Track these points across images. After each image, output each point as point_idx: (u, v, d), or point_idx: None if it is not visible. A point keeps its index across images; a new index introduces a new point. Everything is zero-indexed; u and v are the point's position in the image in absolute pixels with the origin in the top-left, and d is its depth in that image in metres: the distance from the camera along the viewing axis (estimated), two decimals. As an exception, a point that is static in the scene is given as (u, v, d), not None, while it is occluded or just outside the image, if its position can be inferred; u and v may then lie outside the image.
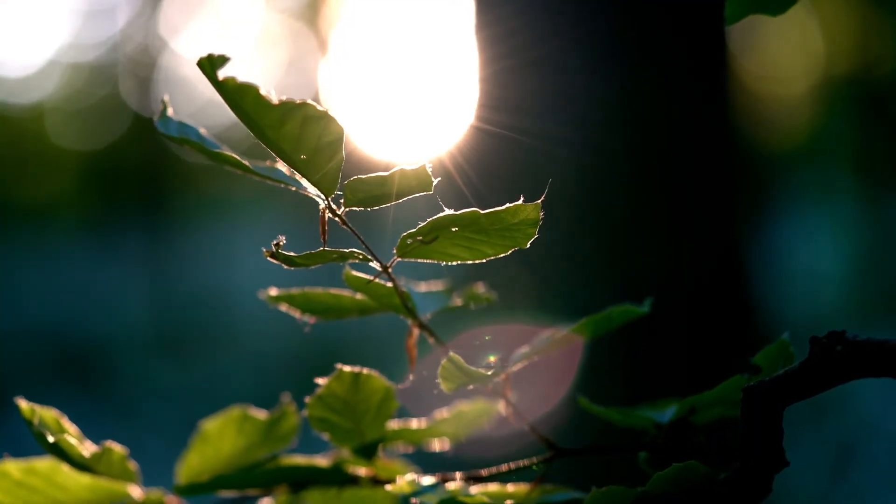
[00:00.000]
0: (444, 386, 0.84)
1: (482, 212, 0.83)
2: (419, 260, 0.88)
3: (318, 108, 0.79)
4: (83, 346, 7.21)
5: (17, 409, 0.92)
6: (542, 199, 0.84)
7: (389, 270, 0.87)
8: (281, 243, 0.84)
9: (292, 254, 0.85)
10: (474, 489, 0.92)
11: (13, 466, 0.98)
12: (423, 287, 0.98)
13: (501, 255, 0.85)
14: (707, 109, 2.71)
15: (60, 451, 0.92)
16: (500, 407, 0.97)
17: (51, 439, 0.91)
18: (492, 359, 0.91)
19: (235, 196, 9.21)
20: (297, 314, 0.97)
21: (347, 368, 0.90)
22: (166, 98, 0.86)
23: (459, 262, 0.87)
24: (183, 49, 9.32)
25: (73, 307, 7.89)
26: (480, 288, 0.98)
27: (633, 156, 2.55)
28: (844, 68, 6.51)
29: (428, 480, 0.92)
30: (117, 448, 0.95)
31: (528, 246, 0.84)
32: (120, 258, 8.80)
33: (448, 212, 0.83)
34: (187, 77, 9.14)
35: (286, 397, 1.03)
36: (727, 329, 2.63)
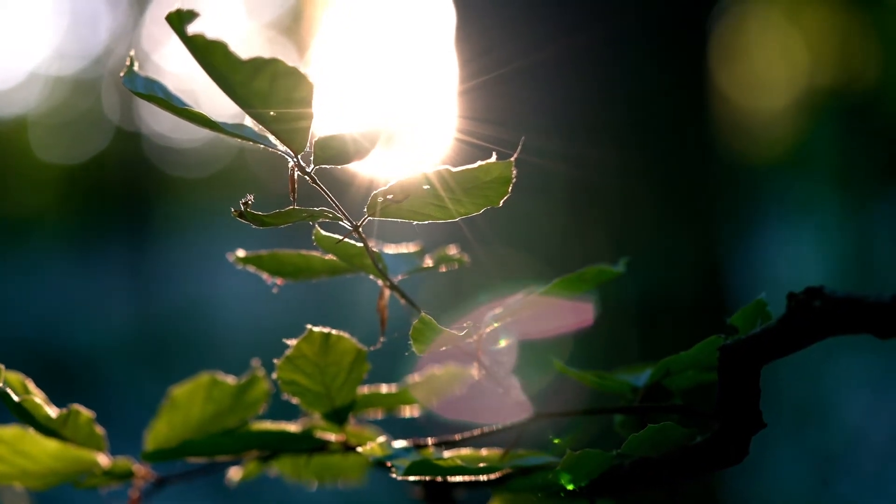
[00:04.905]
0: (415, 347, 0.83)
1: (454, 169, 0.82)
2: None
3: (288, 64, 0.78)
4: (66, 356, 7.17)
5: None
6: (515, 157, 0.83)
7: (360, 230, 0.85)
8: (249, 202, 0.83)
9: (261, 213, 0.83)
10: (447, 453, 0.90)
11: (-21, 435, 0.96)
12: (393, 249, 0.96)
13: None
14: (689, 121, 2.71)
15: (25, 413, 0.90)
16: (474, 371, 0.95)
17: (16, 399, 0.89)
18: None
19: (217, 208, 9.18)
20: (265, 276, 0.95)
21: (317, 329, 0.88)
22: (132, 53, 0.84)
23: (431, 222, 0.86)
24: (165, 63, 9.29)
25: (57, 318, 7.86)
26: (452, 250, 0.96)
27: (616, 168, 2.55)
28: (827, 79, 6.53)
29: (400, 444, 0.90)
30: (84, 411, 0.93)
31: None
32: (103, 270, 8.76)
33: (420, 169, 0.82)
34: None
35: (256, 362, 1.01)
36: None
